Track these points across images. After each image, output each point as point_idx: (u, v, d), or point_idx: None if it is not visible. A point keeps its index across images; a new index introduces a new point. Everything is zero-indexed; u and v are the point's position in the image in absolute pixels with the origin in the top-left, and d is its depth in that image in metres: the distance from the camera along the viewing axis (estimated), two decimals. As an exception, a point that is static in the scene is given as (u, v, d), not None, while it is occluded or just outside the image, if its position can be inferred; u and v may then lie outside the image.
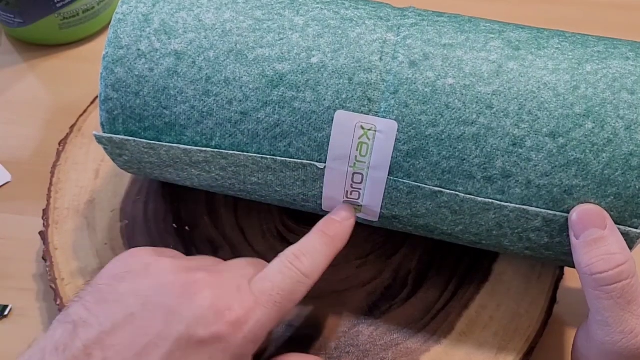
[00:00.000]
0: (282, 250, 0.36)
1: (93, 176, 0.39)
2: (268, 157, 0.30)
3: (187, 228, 0.37)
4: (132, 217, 0.37)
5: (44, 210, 0.38)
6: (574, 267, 0.32)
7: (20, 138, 0.45)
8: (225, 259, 0.36)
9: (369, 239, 0.37)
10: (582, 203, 0.28)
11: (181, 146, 0.30)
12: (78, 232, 0.37)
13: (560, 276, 0.35)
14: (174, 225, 0.37)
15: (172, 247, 0.36)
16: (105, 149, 0.32)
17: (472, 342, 0.33)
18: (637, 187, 0.27)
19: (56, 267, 0.35)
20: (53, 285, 0.34)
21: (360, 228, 0.36)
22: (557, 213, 0.28)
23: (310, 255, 0.28)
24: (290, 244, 0.36)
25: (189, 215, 0.38)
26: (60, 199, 0.38)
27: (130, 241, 0.36)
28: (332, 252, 0.29)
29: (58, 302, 0.34)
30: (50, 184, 0.39)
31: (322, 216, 0.35)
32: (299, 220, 0.37)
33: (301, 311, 0.34)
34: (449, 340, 0.33)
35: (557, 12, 0.56)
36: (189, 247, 0.36)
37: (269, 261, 0.36)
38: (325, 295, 0.34)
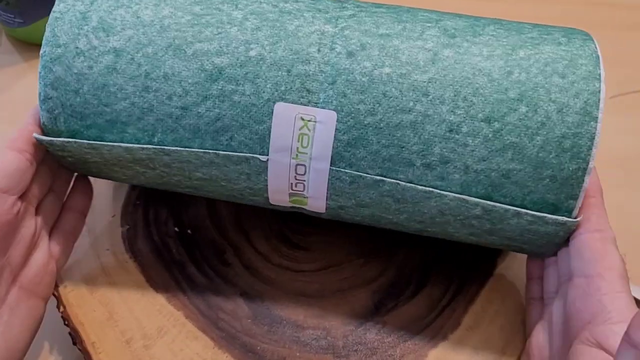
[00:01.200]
0: (285, 252, 0.36)
1: (92, 181, 0.38)
2: (210, 151, 0.30)
3: (189, 231, 0.37)
4: (133, 222, 0.37)
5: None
6: (517, 251, 0.32)
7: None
8: (229, 262, 0.36)
9: (372, 237, 0.37)
10: (522, 187, 0.28)
11: (122, 144, 0.30)
12: (79, 238, 0.36)
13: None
14: (176, 229, 0.37)
15: (174, 251, 0.36)
16: (48, 150, 0.32)
17: (478, 337, 0.33)
18: (571, 168, 0.27)
19: (58, 274, 0.34)
20: (55, 292, 0.34)
21: (362, 227, 0.36)
22: (497, 204, 0.28)
23: None
24: (294, 245, 0.37)
25: (191, 218, 0.37)
26: (60, 205, 0.37)
27: (132, 246, 0.36)
28: None
29: (61, 310, 0.33)
30: None
31: (322, 218, 0.34)
32: (302, 221, 0.37)
33: (307, 311, 0.34)
34: (455, 335, 0.33)
35: (556, 12, 0.56)
36: (192, 250, 0.36)
37: (272, 263, 0.36)
38: (331, 295, 0.34)
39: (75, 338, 0.32)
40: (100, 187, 0.38)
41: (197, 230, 0.37)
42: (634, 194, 0.42)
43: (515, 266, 0.35)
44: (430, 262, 0.36)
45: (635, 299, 0.38)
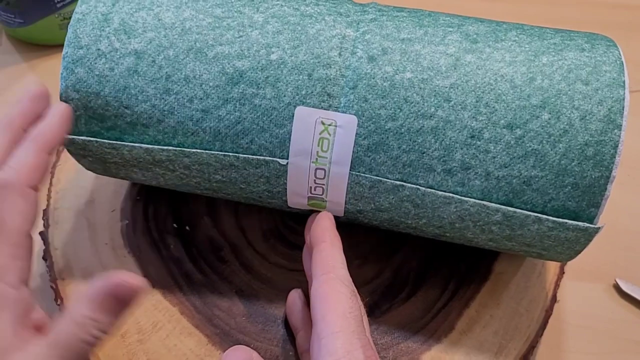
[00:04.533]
0: (282, 250, 0.36)
1: (93, 176, 0.39)
2: (230, 154, 0.30)
3: (187, 228, 0.37)
4: (133, 217, 0.37)
5: (44, 210, 0.37)
6: (536, 257, 0.32)
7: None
8: (226, 260, 0.36)
9: (369, 238, 0.36)
10: (543, 194, 0.28)
11: (143, 145, 0.30)
12: (78, 232, 0.36)
13: (560, 275, 0.35)
14: (174, 225, 0.37)
15: (172, 247, 0.36)
16: (68, 150, 0.32)
17: (472, 341, 0.32)
18: (593, 176, 0.27)
19: (56, 267, 0.35)
20: (53, 285, 0.34)
21: (360, 227, 0.36)
22: (517, 210, 0.28)
23: None
24: (291, 244, 0.37)
25: (189, 215, 0.38)
26: (61, 199, 0.38)
27: (131, 241, 0.36)
28: None
29: (58, 302, 0.34)
30: (50, 184, 0.38)
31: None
32: (300, 220, 0.37)
33: None
34: (449, 339, 0.32)
35: (557, 12, 0.56)
36: (189, 247, 0.36)
37: (269, 262, 0.35)
38: None
39: None
40: (101, 182, 0.38)
41: (196, 227, 0.37)
42: (635, 194, 0.42)
43: (511, 271, 0.35)
44: (427, 264, 0.35)
45: (636, 300, 0.37)
